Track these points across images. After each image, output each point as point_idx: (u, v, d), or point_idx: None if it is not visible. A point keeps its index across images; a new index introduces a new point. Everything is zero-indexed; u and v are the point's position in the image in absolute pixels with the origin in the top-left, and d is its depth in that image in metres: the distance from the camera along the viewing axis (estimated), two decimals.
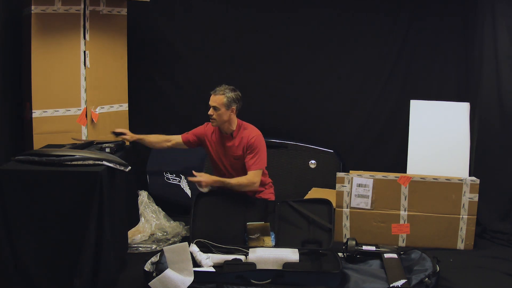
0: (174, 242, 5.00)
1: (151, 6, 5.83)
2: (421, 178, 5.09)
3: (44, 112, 5.07)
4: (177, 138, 5.00)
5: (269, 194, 4.92)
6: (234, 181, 4.64)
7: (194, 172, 4.59)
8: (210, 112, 4.69)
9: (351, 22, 6.02)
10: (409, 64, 6.01)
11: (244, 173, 4.73)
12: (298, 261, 4.23)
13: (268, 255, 4.25)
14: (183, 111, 6.28)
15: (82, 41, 5.23)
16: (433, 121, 5.75)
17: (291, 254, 4.27)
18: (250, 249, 4.35)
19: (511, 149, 5.55)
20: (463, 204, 5.03)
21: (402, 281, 3.98)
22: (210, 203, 4.77)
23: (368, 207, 5.14)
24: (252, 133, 4.76)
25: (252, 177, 4.65)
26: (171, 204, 5.82)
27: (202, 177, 4.57)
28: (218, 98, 4.67)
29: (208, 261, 4.16)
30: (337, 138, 6.15)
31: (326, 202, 4.75)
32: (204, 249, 4.38)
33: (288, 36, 6.12)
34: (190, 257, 3.98)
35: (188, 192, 5.85)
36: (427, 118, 5.77)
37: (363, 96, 6.13)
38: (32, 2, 4.88)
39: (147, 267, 4.10)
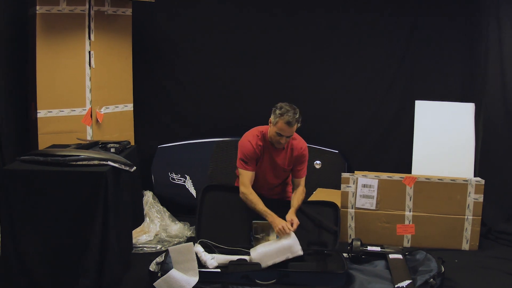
0: (179, 242, 5.00)
1: (156, 7, 5.83)
2: (426, 179, 5.08)
3: (49, 112, 5.07)
4: (252, 177, 4.61)
5: (289, 193, 4.93)
6: (298, 205, 4.61)
7: (285, 226, 4.40)
8: (283, 140, 4.44)
9: (356, 23, 6.01)
10: (414, 64, 5.99)
11: (281, 181, 4.79)
12: (298, 242, 4.27)
13: (269, 248, 4.24)
14: (188, 111, 6.27)
15: (87, 41, 5.23)
16: (438, 122, 5.74)
17: (291, 240, 4.27)
18: (251, 249, 4.33)
19: None
20: (468, 205, 5.02)
21: (407, 282, 3.97)
22: (216, 201, 4.75)
23: (373, 207, 5.14)
24: (301, 143, 4.66)
25: (303, 186, 4.71)
26: (176, 204, 5.83)
27: (293, 224, 4.44)
28: (295, 128, 4.42)
29: (213, 261, 4.15)
30: (342, 139, 6.14)
31: (332, 205, 4.75)
32: (209, 249, 4.38)
33: (293, 37, 6.12)
34: (195, 257, 3.98)
35: (193, 192, 5.86)
36: (432, 119, 5.76)
37: (368, 97, 6.12)
38: (37, 2, 4.89)
39: (152, 267, 4.10)
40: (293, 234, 4.32)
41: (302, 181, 4.73)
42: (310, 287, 3.94)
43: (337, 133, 6.17)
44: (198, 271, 3.94)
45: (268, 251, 4.22)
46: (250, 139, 4.59)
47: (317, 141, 5.96)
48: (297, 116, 4.40)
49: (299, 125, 4.45)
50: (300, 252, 4.26)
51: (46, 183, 3.87)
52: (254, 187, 4.64)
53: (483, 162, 5.62)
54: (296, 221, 4.43)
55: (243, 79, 6.18)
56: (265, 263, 4.13)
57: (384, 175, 5.15)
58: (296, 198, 4.64)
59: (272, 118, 4.46)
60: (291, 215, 4.49)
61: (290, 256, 4.23)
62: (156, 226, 5.24)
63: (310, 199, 5.47)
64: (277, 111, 4.40)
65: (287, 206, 4.63)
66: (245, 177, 4.57)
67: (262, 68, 6.16)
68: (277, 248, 4.24)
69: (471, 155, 5.67)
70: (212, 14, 6.12)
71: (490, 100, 5.61)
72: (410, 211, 5.10)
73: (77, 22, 5.14)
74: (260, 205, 4.49)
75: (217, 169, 5.81)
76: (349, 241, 4.79)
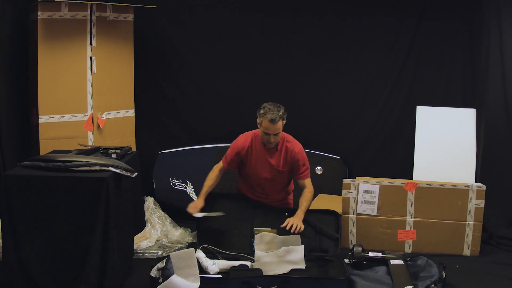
0: (180, 248, 5.00)
1: (157, 12, 5.83)
2: (427, 185, 5.08)
3: (51, 117, 5.08)
4: (221, 169, 4.77)
5: (289, 200, 4.94)
6: (307, 204, 4.61)
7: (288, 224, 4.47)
8: (272, 139, 4.51)
9: (357, 28, 6.01)
10: (415, 70, 5.99)
11: (280, 186, 4.78)
12: (303, 258, 4.24)
13: (273, 259, 4.24)
14: (189, 116, 6.27)
15: (89, 47, 5.24)
16: (439, 127, 5.74)
17: (296, 254, 4.26)
18: (256, 255, 4.33)
19: None
20: (469, 210, 5.02)
21: None
22: (217, 207, 4.75)
23: (374, 213, 5.13)
24: (294, 146, 4.65)
25: (310, 186, 4.70)
26: (177, 210, 5.80)
27: (297, 222, 4.45)
28: (279, 125, 4.46)
29: (214, 267, 4.15)
30: (344, 144, 6.14)
31: (333, 214, 4.74)
32: (210, 255, 4.38)
33: (294, 42, 6.12)
34: (196, 263, 3.98)
35: (194, 198, 5.85)
36: (434, 124, 5.76)
37: (370, 102, 6.11)
38: (39, 7, 4.90)
39: (153, 273, 4.10)
40: (301, 249, 4.31)
41: (307, 182, 4.71)
42: None
43: (338, 139, 6.16)
44: (199, 277, 3.94)
45: (272, 262, 4.22)
46: (242, 136, 4.76)
47: (319, 147, 5.96)
48: (281, 113, 4.47)
49: (284, 121, 4.52)
50: (303, 267, 4.26)
51: (47, 189, 3.87)
52: (252, 191, 4.76)
53: (484, 168, 5.62)
54: (297, 225, 4.43)
55: (244, 85, 6.18)
56: (265, 273, 4.13)
57: (385, 181, 5.15)
58: (304, 198, 4.63)
59: (258, 120, 4.55)
60: (294, 217, 4.50)
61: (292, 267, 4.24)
62: (157, 232, 5.24)
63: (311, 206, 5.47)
64: (261, 111, 4.50)
65: (287, 211, 4.72)
66: (217, 166, 4.80)
67: (264, 74, 6.17)
68: (281, 262, 4.23)
69: (472, 160, 5.66)
70: (214, 19, 6.12)
71: (491, 106, 5.60)
72: (411, 217, 5.09)
73: (78, 27, 5.16)
74: (204, 188, 4.66)
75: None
76: (350, 247, 4.79)
